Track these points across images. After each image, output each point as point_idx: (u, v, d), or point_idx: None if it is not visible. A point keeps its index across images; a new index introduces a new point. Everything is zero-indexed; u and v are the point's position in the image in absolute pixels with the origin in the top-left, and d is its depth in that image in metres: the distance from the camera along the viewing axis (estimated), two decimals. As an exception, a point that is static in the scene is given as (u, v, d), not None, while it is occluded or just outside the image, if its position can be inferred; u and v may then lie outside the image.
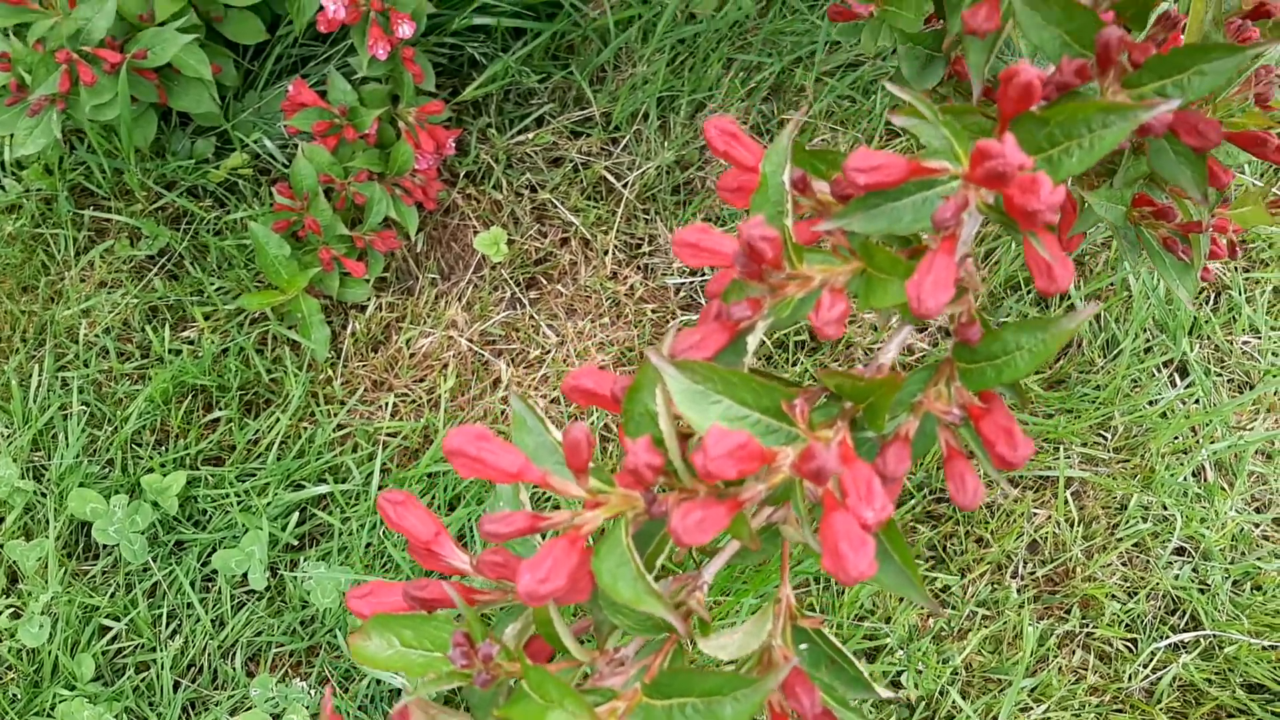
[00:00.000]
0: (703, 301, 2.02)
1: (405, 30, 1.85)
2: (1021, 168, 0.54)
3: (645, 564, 0.63)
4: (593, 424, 1.89)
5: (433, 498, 1.77)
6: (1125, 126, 0.58)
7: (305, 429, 1.81)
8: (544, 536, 0.64)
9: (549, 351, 1.94)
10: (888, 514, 0.58)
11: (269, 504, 1.73)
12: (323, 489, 1.75)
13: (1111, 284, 2.00)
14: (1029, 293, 1.98)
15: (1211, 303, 2.04)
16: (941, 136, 0.61)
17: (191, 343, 1.87)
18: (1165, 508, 1.84)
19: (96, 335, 1.84)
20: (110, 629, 1.70)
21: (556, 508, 0.67)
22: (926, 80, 1.02)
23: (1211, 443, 1.89)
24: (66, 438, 1.76)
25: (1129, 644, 1.77)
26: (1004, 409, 0.68)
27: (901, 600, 1.75)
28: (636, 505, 0.62)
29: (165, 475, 1.73)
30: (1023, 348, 0.65)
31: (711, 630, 0.66)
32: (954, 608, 1.76)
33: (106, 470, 1.76)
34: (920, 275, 0.59)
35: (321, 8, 1.81)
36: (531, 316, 1.98)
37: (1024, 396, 0.73)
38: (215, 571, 1.71)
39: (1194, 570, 1.81)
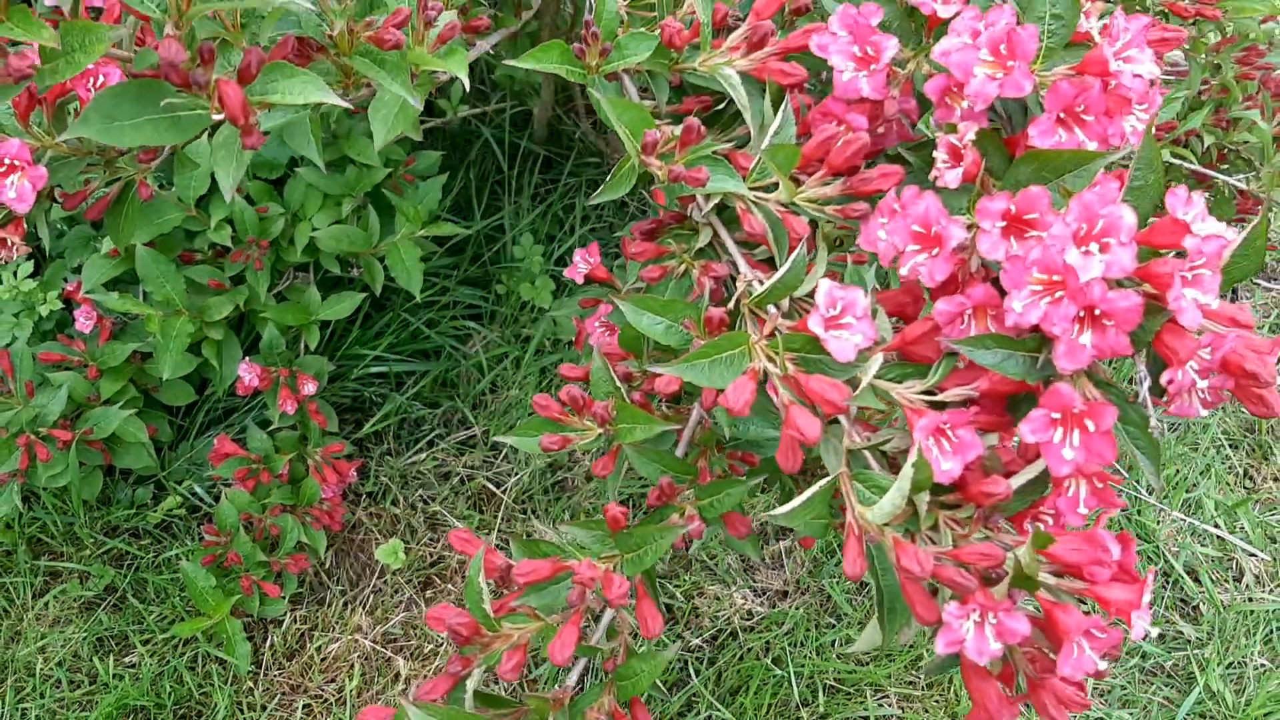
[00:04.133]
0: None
1: (309, 388, 2.28)
2: (593, 578, 0.93)
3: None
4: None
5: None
6: (673, 537, 0.98)
7: (231, 735, 2.11)
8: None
9: (442, 645, 2.27)
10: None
11: (200, 806, 2.01)
12: (246, 788, 2.03)
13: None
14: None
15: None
16: (570, 546, 1.00)
17: (133, 667, 2.18)
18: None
19: (51, 668, 2.15)
20: None
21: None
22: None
23: (1008, 673, 2.24)
24: (24, 763, 2.04)
25: None
26: (642, 710, 1.04)
27: (751, 840, 2.04)
28: (400, 800, 0.96)
29: (109, 789, 2.01)
30: (643, 672, 1.02)
31: None
32: (797, 842, 2.04)
33: (58, 789, 2.04)
34: (556, 640, 0.96)
35: (240, 377, 2.24)
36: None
37: (664, 684, 1.09)
38: None
39: (999, 788, 2.12)
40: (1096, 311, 0.86)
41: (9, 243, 1.04)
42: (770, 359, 0.96)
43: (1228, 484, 2.60)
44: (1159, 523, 2.50)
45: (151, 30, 0.89)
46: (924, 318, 0.95)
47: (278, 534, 2.25)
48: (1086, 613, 0.88)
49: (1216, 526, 2.50)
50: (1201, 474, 2.59)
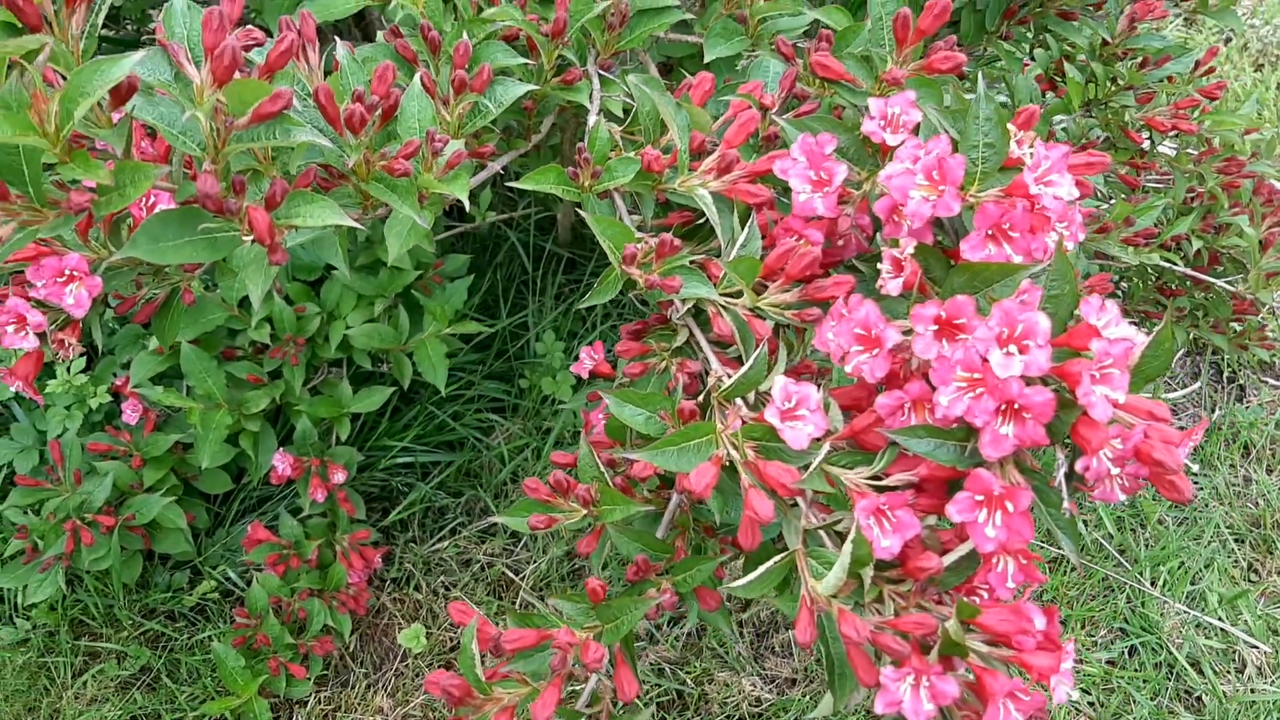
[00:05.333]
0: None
1: (339, 477, 2.41)
2: (571, 644, 1.03)
3: None
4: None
5: None
6: (646, 608, 1.08)
7: (255, 812, 2.19)
8: None
9: (459, 727, 2.35)
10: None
11: None
12: None
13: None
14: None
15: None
16: (559, 618, 1.10)
17: (164, 744, 2.28)
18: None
19: (86, 745, 2.26)
20: None
21: None
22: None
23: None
24: (57, 836, 2.13)
25: None
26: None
27: None
28: None
29: None
30: (622, 734, 1.11)
31: None
32: None
33: None
34: (537, 701, 1.06)
35: (274, 467, 2.37)
36: (446, 697, 2.40)
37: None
38: None
39: None
40: (1016, 405, 0.96)
41: (66, 343, 1.18)
42: (734, 446, 1.08)
43: (1232, 577, 2.64)
44: (1163, 615, 2.54)
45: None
46: (869, 410, 1.06)
47: (305, 617, 2.35)
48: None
49: (1220, 619, 2.54)
50: (1205, 567, 2.64)
